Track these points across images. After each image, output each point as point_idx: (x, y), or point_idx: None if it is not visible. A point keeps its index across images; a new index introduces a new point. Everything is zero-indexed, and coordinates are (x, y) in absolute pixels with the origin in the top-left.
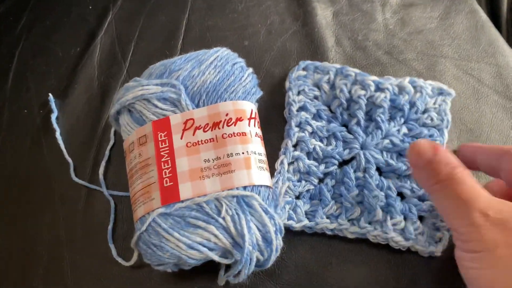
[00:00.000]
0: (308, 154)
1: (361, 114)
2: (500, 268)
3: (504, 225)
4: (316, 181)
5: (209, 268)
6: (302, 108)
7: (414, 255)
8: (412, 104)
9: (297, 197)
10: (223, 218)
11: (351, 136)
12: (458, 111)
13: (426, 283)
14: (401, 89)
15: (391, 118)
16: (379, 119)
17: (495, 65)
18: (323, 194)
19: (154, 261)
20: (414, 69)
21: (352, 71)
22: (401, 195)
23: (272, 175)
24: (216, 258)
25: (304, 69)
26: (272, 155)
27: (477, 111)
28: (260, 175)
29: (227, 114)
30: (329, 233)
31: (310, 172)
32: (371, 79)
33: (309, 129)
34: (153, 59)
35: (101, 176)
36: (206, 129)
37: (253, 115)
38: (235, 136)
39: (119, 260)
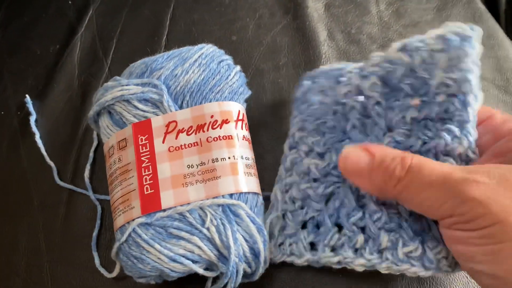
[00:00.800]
0: (306, 175)
1: (354, 115)
2: None
3: (507, 189)
4: (319, 206)
5: (196, 278)
6: (300, 129)
7: None
8: (413, 76)
9: (303, 227)
10: (208, 229)
11: (350, 144)
12: None
13: None
14: (391, 63)
15: (391, 107)
16: (373, 113)
17: (495, 58)
18: (324, 221)
19: (135, 273)
20: None
21: (337, 67)
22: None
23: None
24: (200, 271)
25: (306, 80)
26: (263, 157)
27: None
28: (247, 182)
29: (212, 116)
30: (336, 267)
31: (310, 196)
32: (351, 67)
33: (305, 147)
34: (136, 56)
35: (86, 180)
36: (189, 132)
37: (240, 117)
38: (220, 139)
39: (102, 270)
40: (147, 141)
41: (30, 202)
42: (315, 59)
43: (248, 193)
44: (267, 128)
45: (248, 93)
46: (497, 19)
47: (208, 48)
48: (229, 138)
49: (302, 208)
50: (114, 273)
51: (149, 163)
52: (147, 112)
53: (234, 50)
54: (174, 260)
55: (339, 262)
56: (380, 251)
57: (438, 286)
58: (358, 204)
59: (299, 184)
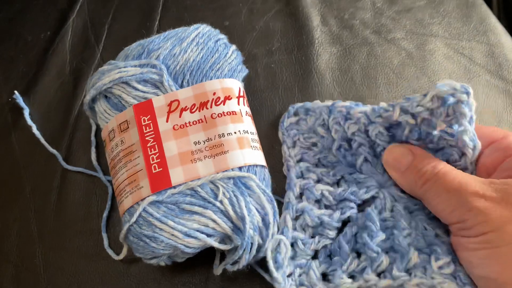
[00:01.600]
0: (318, 203)
1: (364, 151)
2: None
3: (505, 202)
4: (332, 234)
5: (203, 258)
6: (300, 161)
7: None
8: (417, 131)
9: (314, 257)
10: (221, 202)
11: (363, 175)
12: None
13: None
14: (395, 121)
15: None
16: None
17: (487, 44)
18: (341, 247)
19: (147, 254)
20: (403, 49)
21: (343, 105)
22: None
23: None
24: (215, 244)
25: (295, 113)
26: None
27: None
28: (254, 155)
29: (214, 93)
30: None
31: (323, 223)
32: (360, 110)
33: (313, 176)
34: (129, 42)
35: (95, 162)
36: (193, 110)
37: (241, 94)
38: (225, 115)
39: (110, 252)
40: (150, 121)
41: (22, 189)
42: (308, 44)
43: (256, 166)
44: (261, 113)
45: (245, 71)
46: (489, 5)
47: (204, 28)
48: (233, 114)
49: (313, 237)
50: (121, 256)
51: (155, 142)
52: (147, 93)
53: (227, 35)
54: (189, 235)
55: None
56: (407, 270)
57: None
58: (383, 226)
59: (312, 210)
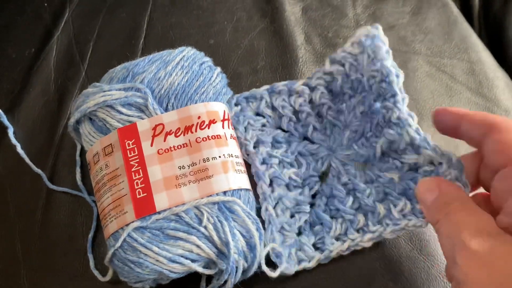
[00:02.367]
0: (288, 186)
1: (312, 120)
2: None
3: (488, 266)
4: (308, 208)
5: (190, 279)
6: (258, 143)
7: None
8: (350, 80)
9: (299, 233)
10: (205, 227)
11: (315, 146)
12: (432, 109)
13: None
14: (330, 75)
15: (341, 109)
16: (330, 117)
17: (468, 61)
18: (322, 217)
19: (132, 278)
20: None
21: (282, 84)
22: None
23: None
24: (199, 269)
25: (236, 104)
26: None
27: None
28: (239, 179)
29: (199, 117)
30: (345, 253)
31: (298, 203)
32: (301, 83)
33: (275, 161)
34: (113, 59)
35: (79, 182)
36: (178, 134)
37: (226, 116)
38: (210, 139)
39: (96, 273)
40: (134, 145)
41: (6, 209)
42: (292, 62)
43: (241, 189)
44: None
45: (230, 93)
46: (471, 23)
47: (189, 51)
48: (217, 138)
49: (292, 216)
50: (107, 278)
51: (139, 167)
52: (132, 116)
53: (212, 54)
54: (173, 261)
55: (348, 248)
56: (380, 221)
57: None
58: (346, 191)
59: (287, 194)
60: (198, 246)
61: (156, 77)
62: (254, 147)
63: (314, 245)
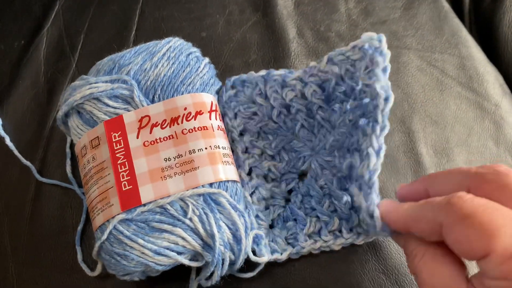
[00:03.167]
0: (266, 177)
1: (301, 117)
2: None
3: None
4: (283, 202)
5: (180, 272)
6: (243, 131)
7: None
8: (344, 84)
9: (271, 226)
10: (190, 219)
11: (299, 144)
12: (423, 103)
13: None
14: (325, 73)
15: (332, 110)
16: (318, 117)
17: (458, 56)
18: (296, 214)
19: (119, 271)
20: None
21: (278, 74)
22: None
23: None
24: (185, 262)
25: (232, 86)
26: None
27: (441, 103)
28: (226, 170)
29: (185, 108)
30: (316, 252)
31: (274, 195)
32: (294, 77)
33: (257, 151)
34: (104, 52)
35: (70, 175)
36: (164, 126)
37: (213, 108)
38: (196, 131)
39: (83, 267)
40: (120, 138)
41: None
42: (285, 56)
43: (227, 181)
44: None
45: (218, 84)
46: (461, 18)
47: (176, 41)
48: (204, 129)
49: (267, 208)
50: (96, 272)
51: (125, 159)
52: (118, 108)
53: (203, 47)
54: (159, 253)
55: (319, 248)
56: (352, 229)
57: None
58: (323, 192)
59: (264, 184)
60: (183, 238)
61: (142, 69)
62: (240, 135)
63: (285, 239)
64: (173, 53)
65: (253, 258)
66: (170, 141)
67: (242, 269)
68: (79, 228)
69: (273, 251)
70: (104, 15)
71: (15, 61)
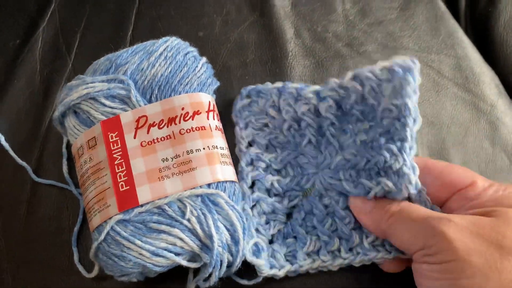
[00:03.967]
0: (268, 191)
1: (310, 132)
2: (479, 279)
3: (472, 232)
4: (284, 218)
5: (177, 273)
6: (251, 143)
7: None
8: (363, 103)
9: (271, 241)
10: (188, 220)
11: (305, 160)
12: (419, 104)
13: None
14: (345, 90)
15: (344, 129)
16: (328, 133)
17: (454, 57)
18: (297, 231)
19: (116, 272)
20: (375, 62)
21: (293, 87)
22: None
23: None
24: (183, 263)
25: (248, 96)
26: (231, 153)
27: (437, 103)
28: (224, 171)
29: (183, 108)
30: (313, 272)
31: (275, 210)
32: (311, 90)
33: (262, 164)
34: (101, 51)
35: (66, 175)
36: (161, 126)
37: (211, 107)
38: (194, 131)
39: (80, 268)
40: (117, 138)
41: None
42: (282, 56)
43: (226, 181)
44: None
45: (216, 84)
46: (457, 19)
47: (173, 41)
48: (202, 129)
49: (267, 222)
50: (93, 274)
51: (122, 160)
52: (115, 108)
53: (201, 46)
54: (157, 254)
55: (317, 268)
56: (351, 249)
57: None
58: (325, 211)
59: (266, 199)
60: (181, 239)
61: (139, 68)
62: (247, 146)
63: (284, 256)
64: (170, 52)
65: (249, 258)
66: (167, 141)
67: (240, 272)
68: (76, 228)
69: (271, 266)
70: (101, 14)
71: (10, 60)
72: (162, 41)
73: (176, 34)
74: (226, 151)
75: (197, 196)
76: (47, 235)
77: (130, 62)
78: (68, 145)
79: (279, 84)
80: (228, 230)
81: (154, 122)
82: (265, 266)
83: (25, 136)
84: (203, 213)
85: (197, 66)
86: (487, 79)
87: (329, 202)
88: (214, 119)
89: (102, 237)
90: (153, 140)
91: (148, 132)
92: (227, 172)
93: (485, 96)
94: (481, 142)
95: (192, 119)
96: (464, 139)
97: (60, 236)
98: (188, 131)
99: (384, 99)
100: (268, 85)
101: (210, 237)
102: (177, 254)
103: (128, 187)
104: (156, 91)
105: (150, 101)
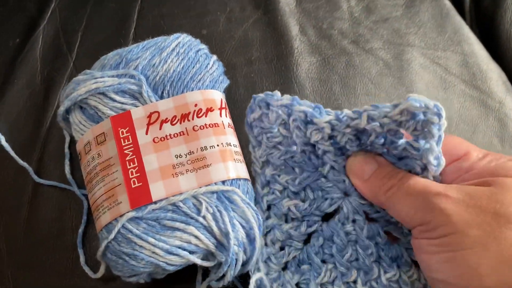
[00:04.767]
0: (285, 216)
1: (330, 158)
2: (478, 249)
3: (469, 205)
4: (300, 244)
5: (184, 273)
6: (266, 163)
7: None
8: (384, 137)
9: (284, 268)
10: (204, 217)
11: (329, 183)
12: None
13: None
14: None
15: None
16: (350, 153)
17: (461, 54)
18: (312, 260)
19: (126, 272)
20: (381, 59)
21: (301, 110)
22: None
23: None
24: (198, 261)
25: (258, 106)
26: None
27: (445, 101)
28: (237, 168)
29: (196, 105)
30: None
31: (292, 236)
32: (324, 120)
33: (279, 187)
34: (103, 50)
35: (69, 175)
36: (174, 122)
37: (223, 105)
38: (207, 127)
39: (86, 269)
40: (128, 134)
41: None
42: (287, 53)
43: (239, 179)
44: (241, 123)
45: (226, 82)
46: (462, 16)
47: (184, 37)
48: (215, 126)
49: (282, 249)
50: (99, 274)
51: (134, 156)
52: (125, 104)
53: (205, 44)
54: (171, 253)
55: None
56: (367, 281)
57: None
58: (346, 240)
59: (281, 225)
60: (196, 237)
61: (151, 64)
62: (262, 166)
63: (297, 285)
64: (182, 48)
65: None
66: (181, 138)
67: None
68: (80, 230)
69: None
70: (102, 12)
71: (10, 59)
72: (173, 37)
73: (179, 32)
74: (238, 149)
75: (213, 193)
76: (49, 237)
77: (141, 57)
78: (71, 145)
79: (287, 101)
80: (243, 227)
81: (167, 118)
82: None
83: (26, 136)
84: (218, 210)
85: (208, 63)
86: (495, 76)
87: (352, 229)
88: (226, 116)
89: (113, 235)
90: (166, 136)
91: (160, 128)
92: (240, 169)
93: (493, 93)
94: (490, 139)
95: (206, 116)
96: (472, 136)
97: (63, 237)
98: (201, 127)
99: (407, 135)
100: (277, 96)
101: (226, 235)
102: (191, 253)
103: (141, 183)
104: (168, 87)
105: (161, 97)
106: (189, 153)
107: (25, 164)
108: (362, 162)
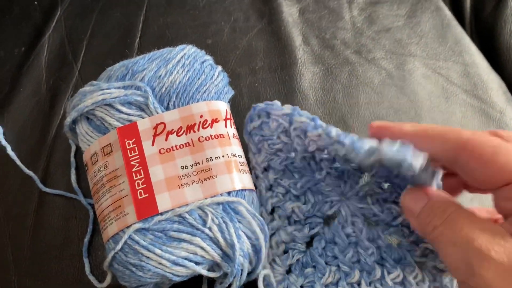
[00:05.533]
0: (288, 218)
1: (326, 165)
2: None
3: None
4: (303, 247)
5: (189, 283)
6: (267, 169)
7: None
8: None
9: (288, 271)
10: (209, 228)
11: (328, 187)
12: (429, 110)
13: None
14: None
15: None
16: (349, 167)
17: (462, 64)
18: (316, 261)
19: (133, 282)
20: (384, 68)
21: (301, 121)
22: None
23: None
24: (204, 272)
25: (258, 115)
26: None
27: (447, 110)
28: (243, 179)
29: (201, 116)
30: None
31: (294, 239)
32: (316, 134)
33: (282, 190)
34: (108, 59)
35: (75, 184)
36: (179, 133)
37: (228, 116)
38: (212, 138)
39: (92, 279)
40: (135, 145)
41: None
42: (291, 63)
43: (245, 189)
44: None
45: (231, 92)
46: (462, 27)
47: (190, 49)
48: (221, 137)
49: (285, 251)
50: (105, 284)
51: (140, 167)
52: (132, 115)
53: (209, 54)
54: (177, 264)
55: None
56: (371, 282)
57: None
58: (348, 241)
59: (285, 227)
60: (202, 248)
61: (157, 75)
62: (264, 171)
63: (301, 287)
64: (187, 60)
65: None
66: (186, 149)
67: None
68: (86, 239)
69: None
70: (107, 21)
71: (15, 68)
72: (179, 48)
73: (184, 41)
74: (243, 159)
75: (218, 204)
76: (55, 246)
77: (147, 68)
78: (77, 154)
79: (288, 110)
80: (249, 238)
81: (173, 129)
82: None
83: (32, 145)
84: (224, 222)
85: (214, 74)
86: (495, 86)
87: (352, 231)
88: (231, 127)
89: (119, 246)
90: (172, 147)
91: (166, 140)
92: (246, 180)
93: (493, 103)
94: None
95: (211, 127)
96: None
97: (69, 246)
98: (207, 138)
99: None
100: (277, 105)
101: (231, 246)
102: (197, 263)
103: (147, 194)
104: (174, 99)
105: (167, 108)
106: (195, 164)
107: (31, 173)
108: (413, 199)
